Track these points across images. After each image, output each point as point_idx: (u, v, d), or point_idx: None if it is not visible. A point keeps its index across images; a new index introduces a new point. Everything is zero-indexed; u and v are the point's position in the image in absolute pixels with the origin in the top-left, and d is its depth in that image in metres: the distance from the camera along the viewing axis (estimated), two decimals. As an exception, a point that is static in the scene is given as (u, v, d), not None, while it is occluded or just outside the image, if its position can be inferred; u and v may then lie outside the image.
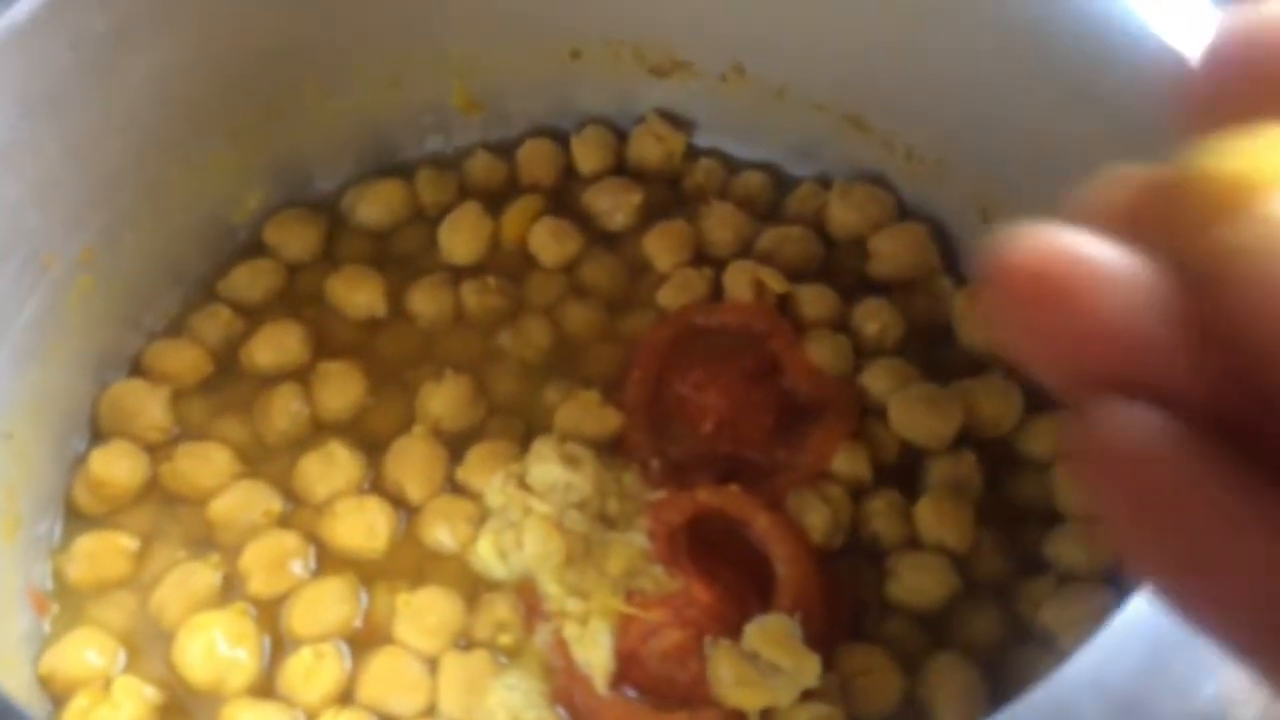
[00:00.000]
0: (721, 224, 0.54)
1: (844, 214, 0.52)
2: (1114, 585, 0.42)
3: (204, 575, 0.45)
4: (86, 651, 0.44)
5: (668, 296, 0.52)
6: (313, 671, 0.43)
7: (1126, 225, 0.14)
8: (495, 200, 0.55)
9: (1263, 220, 0.13)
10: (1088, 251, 0.13)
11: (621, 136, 0.57)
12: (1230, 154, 0.14)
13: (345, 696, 0.43)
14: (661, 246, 0.53)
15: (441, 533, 0.46)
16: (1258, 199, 0.13)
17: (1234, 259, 0.13)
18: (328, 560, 0.46)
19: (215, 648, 0.43)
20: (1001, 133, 0.46)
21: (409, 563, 0.46)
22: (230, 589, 0.46)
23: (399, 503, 0.47)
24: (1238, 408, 0.13)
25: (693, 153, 0.57)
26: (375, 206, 0.55)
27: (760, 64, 0.53)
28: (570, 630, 0.43)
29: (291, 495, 0.48)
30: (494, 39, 0.54)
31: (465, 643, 0.44)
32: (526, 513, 0.45)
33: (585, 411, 0.48)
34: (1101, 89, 0.40)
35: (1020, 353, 0.14)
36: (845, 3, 0.48)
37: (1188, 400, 0.13)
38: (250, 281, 0.53)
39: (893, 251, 0.52)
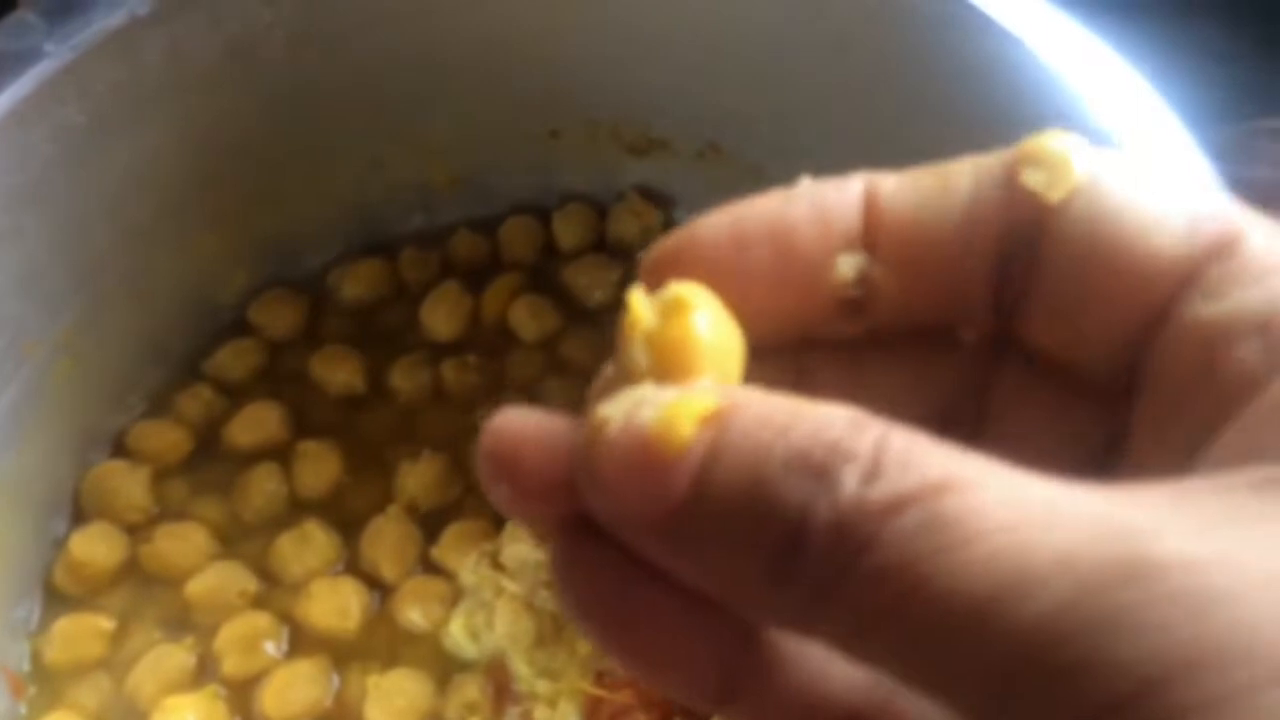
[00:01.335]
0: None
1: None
2: None
3: (178, 657, 0.46)
4: (60, 734, 0.44)
5: (645, 372, 0.52)
6: (282, 755, 0.43)
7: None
8: (478, 276, 0.56)
9: (590, 422, 0.15)
10: (535, 427, 0.16)
11: (602, 213, 0.58)
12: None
13: (315, 779, 0.43)
14: (640, 323, 0.54)
15: (414, 613, 0.46)
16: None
17: (575, 461, 0.15)
18: (301, 640, 0.46)
19: (186, 731, 0.43)
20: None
21: (382, 643, 0.46)
22: (204, 670, 0.46)
23: (374, 582, 0.47)
24: None
25: (672, 227, 0.57)
26: (359, 285, 0.56)
27: (735, 143, 0.54)
28: (540, 712, 0.43)
29: (267, 575, 0.48)
30: (475, 120, 0.55)
31: (435, 725, 0.44)
32: (499, 593, 0.45)
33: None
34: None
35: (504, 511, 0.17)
36: (814, 85, 0.48)
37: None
38: (234, 361, 0.54)
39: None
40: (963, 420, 0.16)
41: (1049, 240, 0.17)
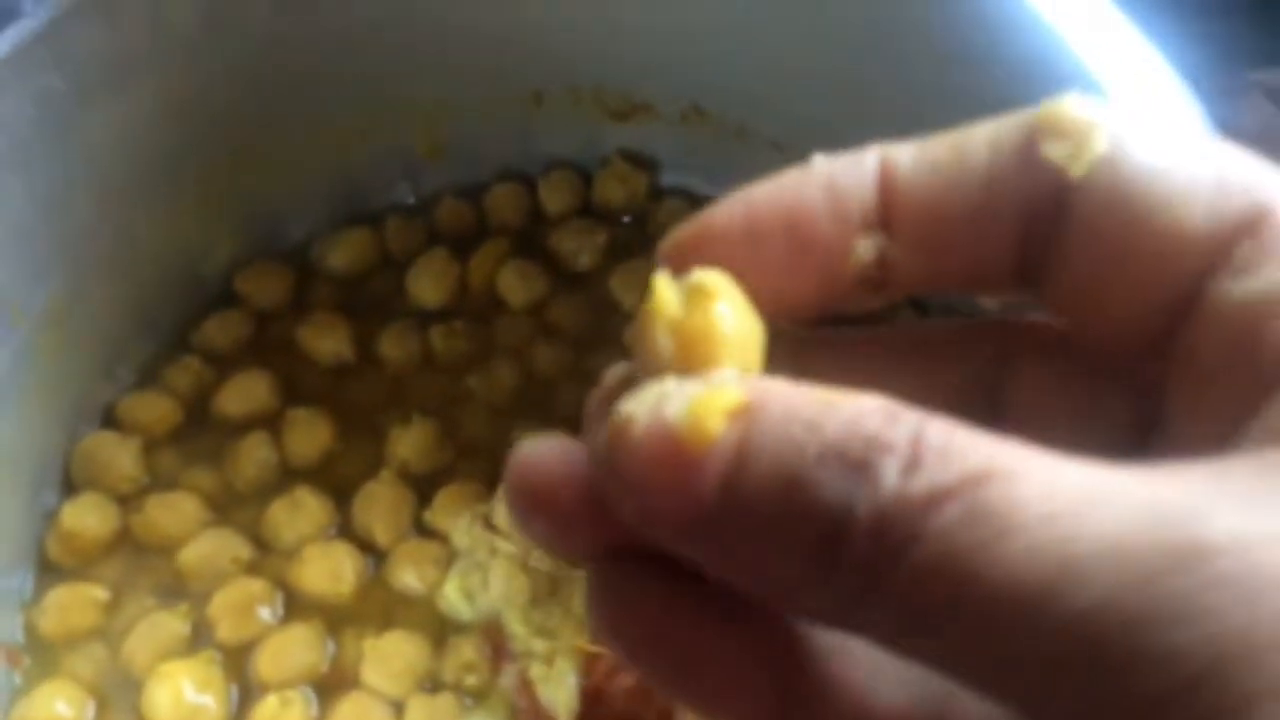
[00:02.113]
0: (687, 261, 0.54)
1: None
2: None
3: (173, 624, 0.46)
4: (56, 703, 0.44)
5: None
6: (279, 718, 0.43)
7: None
8: (464, 244, 0.56)
9: (613, 420, 0.15)
10: (563, 456, 0.16)
11: (587, 178, 0.58)
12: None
13: (313, 742, 0.43)
14: (628, 285, 0.54)
15: (409, 576, 0.46)
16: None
17: (597, 459, 0.15)
18: (296, 606, 0.46)
19: (182, 696, 0.43)
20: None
21: (377, 607, 0.46)
22: (199, 637, 0.46)
23: (367, 547, 0.47)
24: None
25: (657, 192, 0.58)
26: (345, 255, 0.56)
27: (719, 104, 0.54)
28: (536, 670, 0.43)
29: (260, 542, 0.48)
30: (457, 87, 0.55)
31: (431, 686, 0.44)
32: (493, 553, 0.46)
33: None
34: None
35: (540, 547, 0.17)
36: (795, 42, 0.48)
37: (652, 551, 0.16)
38: (221, 331, 0.53)
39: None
40: (976, 419, 0.17)
41: (1071, 213, 0.16)
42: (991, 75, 0.43)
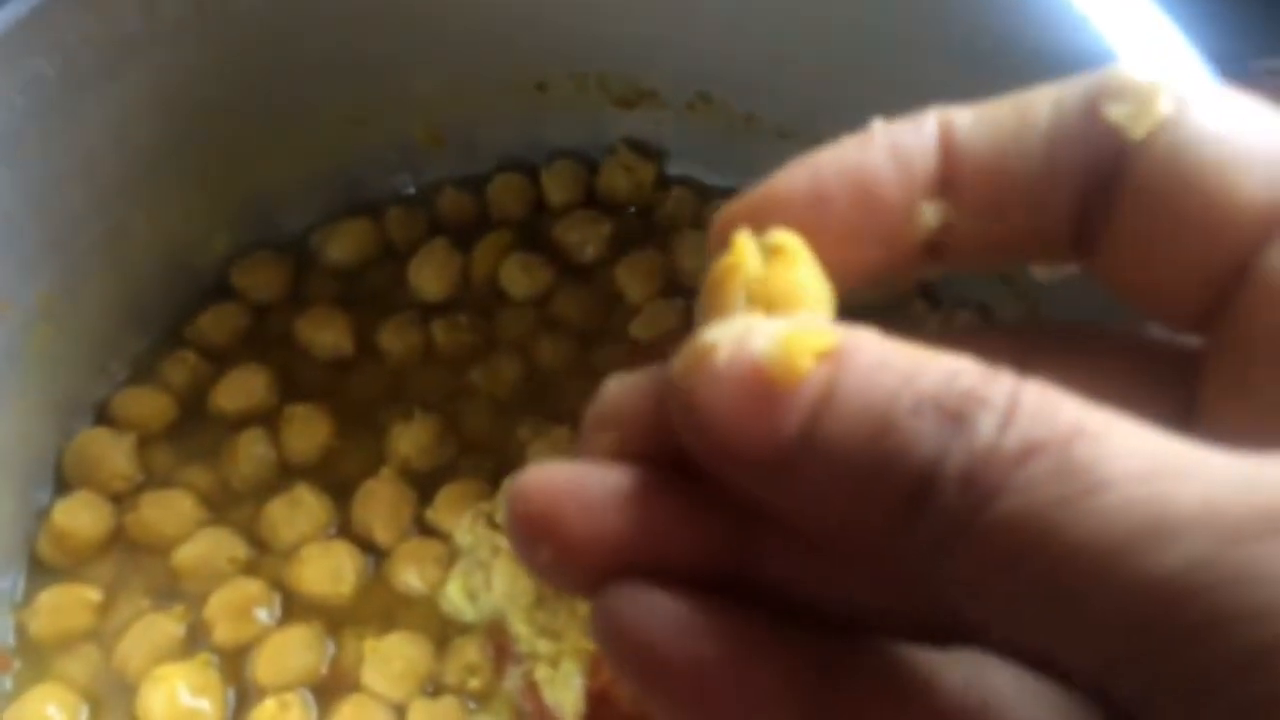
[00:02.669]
0: (693, 253, 0.53)
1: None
2: None
3: (168, 626, 0.44)
4: (48, 707, 0.43)
5: (640, 328, 0.51)
6: (277, 722, 0.42)
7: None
8: (466, 235, 0.55)
9: (694, 347, 0.14)
10: (566, 481, 0.15)
11: (592, 168, 0.57)
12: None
13: (312, 747, 0.42)
14: (633, 278, 0.53)
15: (410, 576, 0.45)
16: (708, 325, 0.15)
17: (671, 389, 0.15)
18: (294, 607, 0.45)
19: (178, 700, 0.42)
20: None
21: (378, 607, 0.45)
22: (195, 639, 0.45)
23: (367, 546, 0.46)
24: (726, 556, 0.16)
25: (664, 182, 0.56)
26: (344, 246, 0.55)
27: (725, 92, 0.53)
28: (541, 672, 0.42)
29: (257, 541, 0.47)
30: (458, 74, 0.54)
31: (433, 688, 0.43)
32: (496, 552, 0.44)
33: (557, 447, 0.47)
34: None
35: (544, 577, 0.16)
36: (804, 29, 0.47)
37: (690, 568, 0.15)
38: (217, 325, 0.52)
39: (867, 275, 0.51)
40: None
41: (1130, 176, 0.16)
42: (1002, 62, 0.41)
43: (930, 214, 0.17)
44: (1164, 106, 0.16)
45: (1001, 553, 0.13)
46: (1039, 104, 0.17)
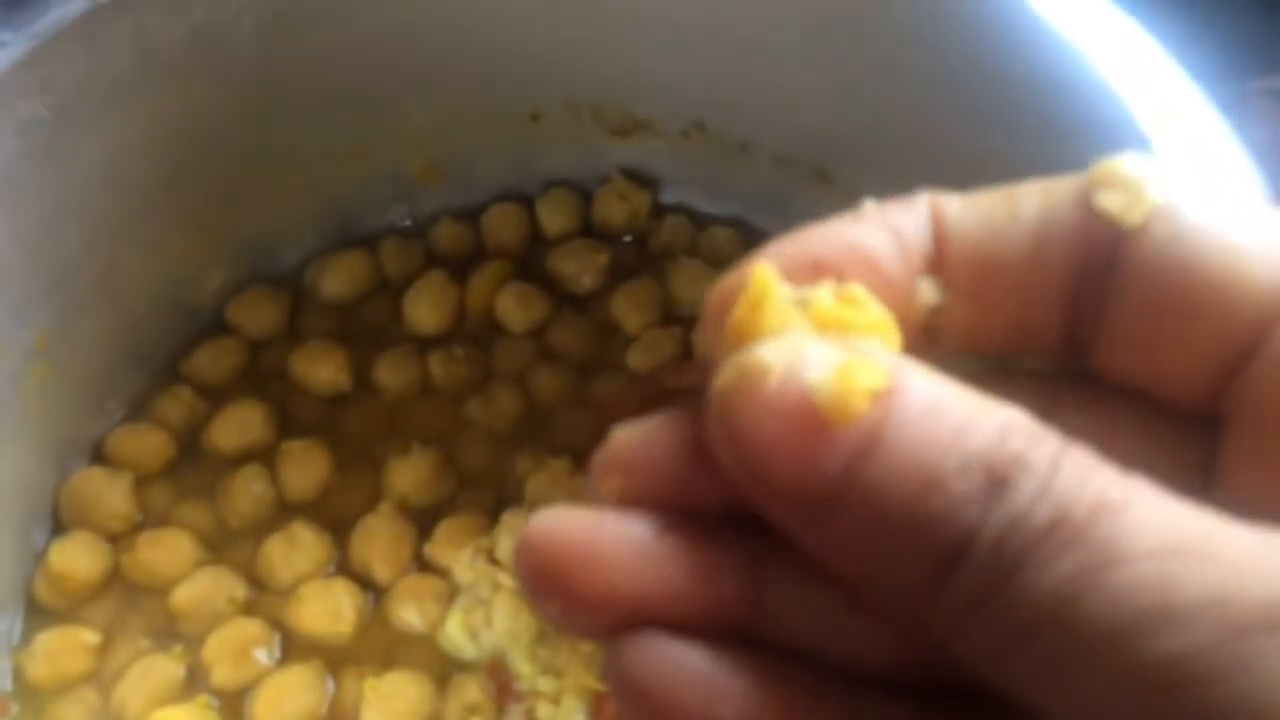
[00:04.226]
0: (690, 281, 0.53)
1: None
2: None
3: (166, 668, 0.44)
4: (47, 752, 0.42)
5: (637, 358, 0.51)
6: (277, 764, 0.41)
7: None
8: (462, 267, 0.55)
9: (743, 364, 0.14)
10: (575, 531, 0.15)
11: (587, 198, 0.57)
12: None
13: (313, 789, 0.42)
14: (630, 307, 0.53)
15: (410, 613, 0.45)
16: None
17: (714, 404, 0.15)
18: (294, 646, 0.45)
19: (177, 744, 0.42)
20: (964, 177, 0.45)
21: (377, 646, 0.45)
22: (194, 680, 0.44)
23: (366, 583, 0.46)
24: (739, 608, 0.16)
25: (659, 210, 0.56)
26: (339, 279, 0.54)
27: (720, 120, 0.53)
28: (543, 710, 0.42)
29: (256, 581, 0.46)
30: (452, 106, 0.54)
31: (435, 728, 0.43)
32: (496, 589, 0.44)
33: (556, 480, 0.47)
34: (1057, 128, 0.39)
35: (553, 621, 0.16)
36: (798, 57, 0.47)
37: (703, 620, 0.15)
38: (213, 361, 0.52)
39: (864, 302, 0.51)
40: None
41: (1126, 265, 0.16)
42: (999, 88, 0.41)
43: (929, 291, 0.16)
44: (1156, 194, 0.16)
45: (1021, 623, 0.13)
46: (1028, 194, 0.17)
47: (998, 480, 0.13)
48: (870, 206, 0.17)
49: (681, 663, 0.15)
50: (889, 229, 0.17)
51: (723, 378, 0.14)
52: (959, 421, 0.13)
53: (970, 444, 0.13)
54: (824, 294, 0.15)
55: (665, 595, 0.15)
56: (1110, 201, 0.16)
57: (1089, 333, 0.16)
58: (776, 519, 0.14)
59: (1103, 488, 0.13)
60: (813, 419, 0.14)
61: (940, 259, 0.17)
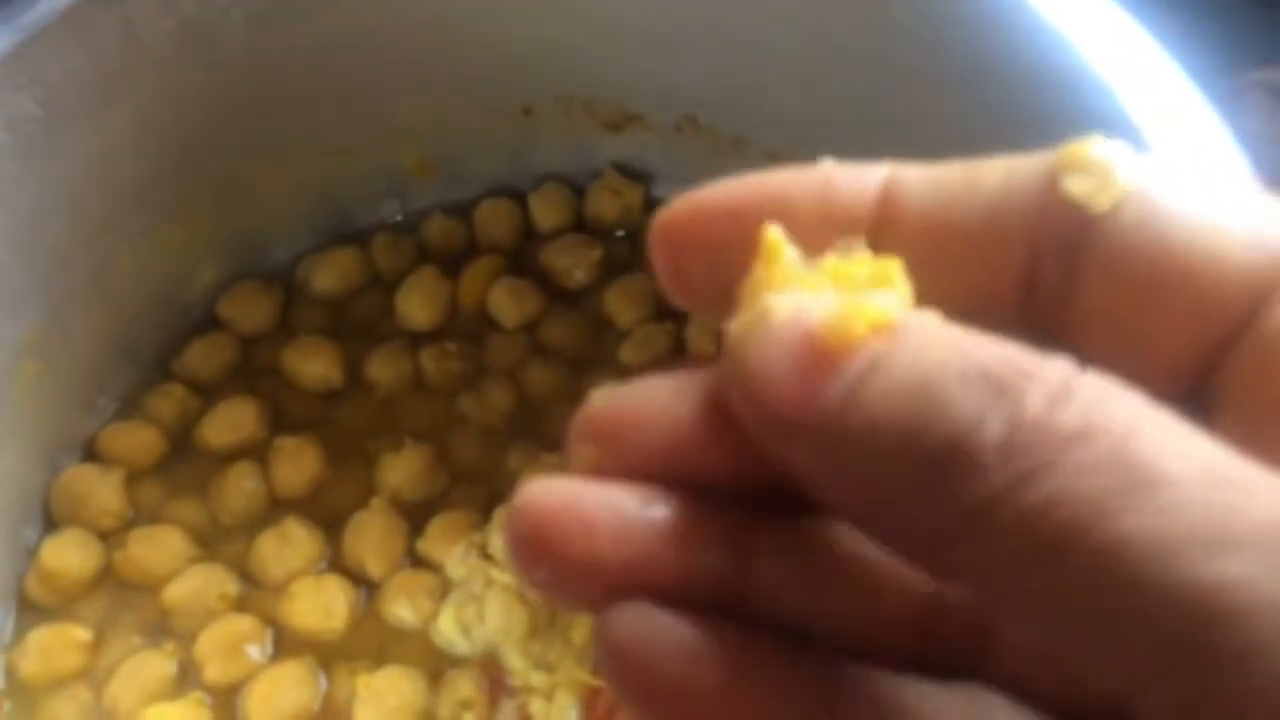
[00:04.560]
0: (683, 276, 0.53)
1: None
2: None
3: (159, 664, 0.44)
4: (38, 750, 0.42)
5: (630, 353, 0.51)
6: (270, 761, 0.41)
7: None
8: (454, 262, 0.54)
9: (755, 308, 0.15)
10: (562, 499, 0.15)
11: (579, 193, 0.56)
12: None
13: (306, 785, 0.42)
14: (622, 302, 0.52)
15: (403, 609, 0.45)
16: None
17: (725, 348, 0.15)
18: (286, 643, 0.45)
19: (169, 741, 0.41)
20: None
21: (370, 642, 0.45)
22: (186, 677, 0.44)
23: (359, 579, 0.46)
24: (725, 577, 0.15)
25: (652, 205, 0.56)
26: (331, 275, 0.54)
27: (712, 115, 0.53)
28: (536, 705, 0.42)
29: (248, 577, 0.46)
30: (444, 101, 0.54)
31: (428, 723, 0.43)
32: (488, 584, 0.44)
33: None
34: (1050, 121, 0.39)
35: (545, 595, 0.16)
36: (792, 51, 0.47)
37: (688, 588, 0.15)
38: (205, 358, 0.52)
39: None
40: None
41: (1099, 249, 0.15)
42: (994, 83, 0.41)
43: (840, 248, 0.16)
44: (1124, 180, 0.15)
45: (1040, 538, 0.12)
46: (990, 167, 0.17)
47: (997, 381, 0.13)
48: (824, 163, 0.17)
49: (667, 631, 0.15)
50: (820, 184, 0.17)
51: (736, 325, 0.15)
52: (962, 343, 0.13)
53: (970, 356, 0.13)
54: (833, 259, 0.15)
55: (650, 565, 0.15)
56: (1077, 186, 0.15)
57: (1057, 313, 0.16)
58: (784, 457, 0.14)
59: (1138, 410, 0.13)
60: (814, 346, 0.14)
61: (888, 224, 0.17)
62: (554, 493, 0.16)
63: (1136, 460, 0.12)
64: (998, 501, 0.12)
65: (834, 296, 0.14)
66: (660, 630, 0.15)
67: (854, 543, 0.16)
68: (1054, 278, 0.16)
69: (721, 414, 0.16)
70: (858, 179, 0.17)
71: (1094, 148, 0.16)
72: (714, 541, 0.16)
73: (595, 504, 0.15)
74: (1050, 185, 0.16)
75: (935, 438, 0.13)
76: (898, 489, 0.13)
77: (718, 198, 0.17)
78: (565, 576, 0.15)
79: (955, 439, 0.13)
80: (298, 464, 0.48)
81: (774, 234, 0.16)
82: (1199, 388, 0.16)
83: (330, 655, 0.44)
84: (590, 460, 0.16)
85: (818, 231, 0.16)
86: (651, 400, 0.16)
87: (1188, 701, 0.12)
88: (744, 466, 0.16)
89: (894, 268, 0.15)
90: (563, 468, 0.17)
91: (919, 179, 0.17)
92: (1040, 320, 0.16)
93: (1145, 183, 0.15)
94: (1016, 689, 0.15)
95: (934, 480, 0.13)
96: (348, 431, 0.50)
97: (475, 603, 0.44)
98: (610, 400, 0.17)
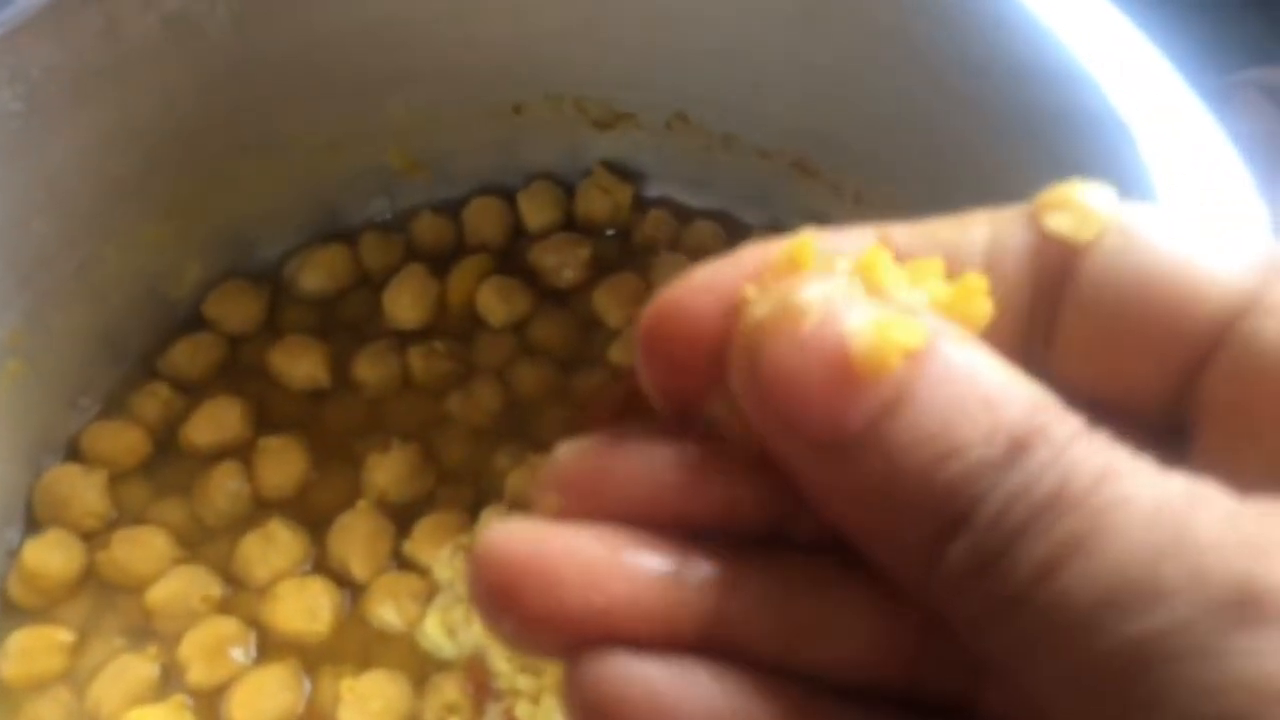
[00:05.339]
0: (673, 275, 0.52)
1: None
2: None
3: (141, 667, 0.44)
4: (19, 753, 0.42)
5: (619, 353, 0.50)
6: (253, 765, 0.41)
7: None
8: (442, 261, 0.54)
9: (782, 298, 0.14)
10: (527, 548, 0.15)
11: (569, 191, 0.56)
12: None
13: (289, 790, 0.41)
14: (612, 301, 0.52)
15: (388, 612, 0.44)
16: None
17: (745, 332, 0.15)
18: (269, 645, 0.44)
19: (151, 744, 0.41)
20: (946, 168, 0.45)
21: (355, 644, 0.45)
22: (169, 680, 0.44)
23: (344, 582, 0.45)
24: (697, 620, 0.15)
25: (642, 204, 0.56)
26: (318, 274, 0.54)
27: (703, 113, 0.52)
28: (522, 709, 0.41)
29: (232, 578, 0.46)
30: (433, 98, 0.53)
31: (413, 727, 0.42)
32: (475, 586, 0.44)
33: (537, 476, 0.47)
34: (1040, 117, 0.39)
35: (508, 641, 0.16)
36: (782, 52, 0.47)
37: (666, 632, 0.15)
38: (191, 357, 0.51)
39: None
40: None
41: (1080, 279, 0.16)
42: (983, 79, 0.41)
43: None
44: (1104, 215, 0.16)
45: (1009, 592, 0.13)
46: (976, 219, 0.17)
47: (1018, 447, 0.13)
48: (806, 232, 0.17)
49: (640, 679, 0.15)
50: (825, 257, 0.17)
51: (758, 308, 0.14)
52: (989, 392, 0.14)
53: (999, 416, 0.13)
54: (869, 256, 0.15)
55: (619, 610, 0.15)
56: (1060, 223, 0.16)
57: (1044, 347, 0.16)
58: (787, 457, 0.14)
59: (1109, 461, 0.13)
60: (844, 366, 0.14)
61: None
62: (519, 539, 0.15)
63: (1091, 509, 0.13)
64: (985, 560, 0.13)
65: (866, 304, 0.14)
66: (631, 676, 0.15)
67: (838, 581, 0.16)
68: (1046, 314, 0.16)
69: (700, 469, 0.16)
70: (846, 245, 0.17)
71: (1073, 189, 0.16)
72: (688, 584, 0.15)
73: (558, 550, 0.15)
74: (1034, 225, 0.16)
75: (950, 503, 0.13)
76: (900, 530, 0.14)
77: (701, 283, 0.17)
78: (531, 628, 0.15)
79: (966, 509, 0.13)
80: (283, 464, 0.48)
81: (807, 236, 0.15)
82: (1179, 412, 0.16)
83: (314, 658, 0.44)
84: (553, 509, 0.16)
85: None
86: (624, 452, 0.16)
87: None
88: (723, 511, 0.16)
89: (935, 267, 0.15)
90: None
91: (910, 235, 0.17)
92: (1037, 359, 0.17)
93: (1124, 217, 0.16)
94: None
95: (937, 534, 0.13)
96: (334, 431, 0.50)
97: (461, 605, 0.44)
98: (572, 451, 0.17)
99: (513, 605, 0.15)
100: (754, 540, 0.16)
